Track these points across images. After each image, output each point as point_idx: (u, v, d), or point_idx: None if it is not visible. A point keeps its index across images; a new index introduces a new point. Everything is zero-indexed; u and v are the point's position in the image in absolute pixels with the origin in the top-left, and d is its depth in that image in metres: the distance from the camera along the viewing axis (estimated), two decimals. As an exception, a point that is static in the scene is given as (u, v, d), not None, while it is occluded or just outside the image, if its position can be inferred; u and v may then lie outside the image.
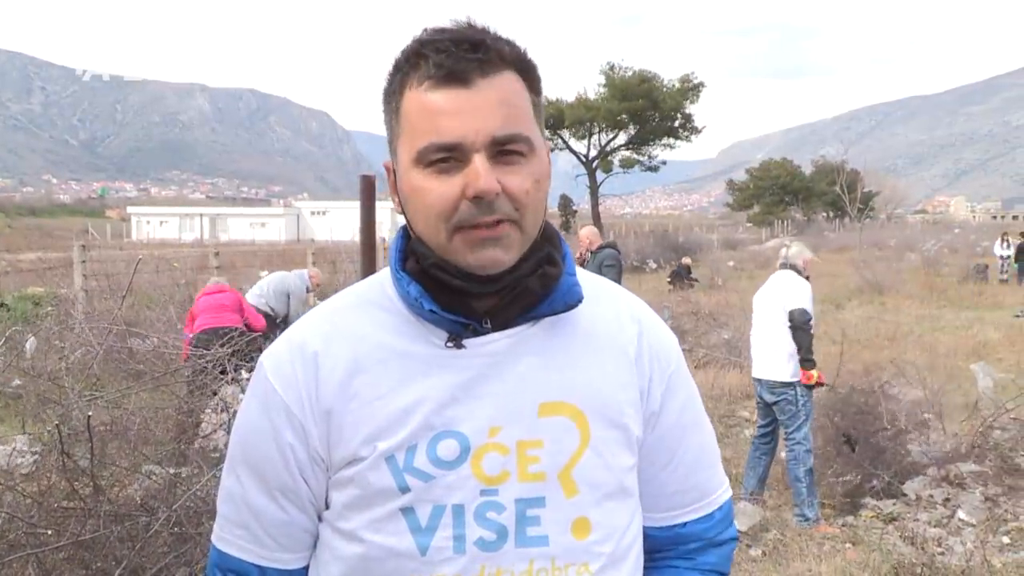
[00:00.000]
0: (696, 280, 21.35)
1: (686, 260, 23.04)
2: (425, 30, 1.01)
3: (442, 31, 0.99)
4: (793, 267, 5.46)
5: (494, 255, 0.99)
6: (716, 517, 1.19)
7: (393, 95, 1.02)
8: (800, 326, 5.16)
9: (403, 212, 1.07)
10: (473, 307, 1.04)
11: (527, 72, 1.02)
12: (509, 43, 1.01)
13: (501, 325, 1.05)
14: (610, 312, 1.13)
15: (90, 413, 3.32)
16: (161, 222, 74.12)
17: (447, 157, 0.97)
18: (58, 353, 7.31)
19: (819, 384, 5.35)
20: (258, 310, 8.93)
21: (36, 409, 5.23)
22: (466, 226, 0.98)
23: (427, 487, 1.01)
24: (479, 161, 0.96)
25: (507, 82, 0.99)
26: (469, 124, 0.96)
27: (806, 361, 5.20)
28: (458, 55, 0.96)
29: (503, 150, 0.98)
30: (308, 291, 9.56)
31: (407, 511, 1.01)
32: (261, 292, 9.22)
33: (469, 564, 1.01)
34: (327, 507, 1.08)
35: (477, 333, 1.04)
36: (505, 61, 0.99)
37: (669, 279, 21.06)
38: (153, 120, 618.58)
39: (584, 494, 1.05)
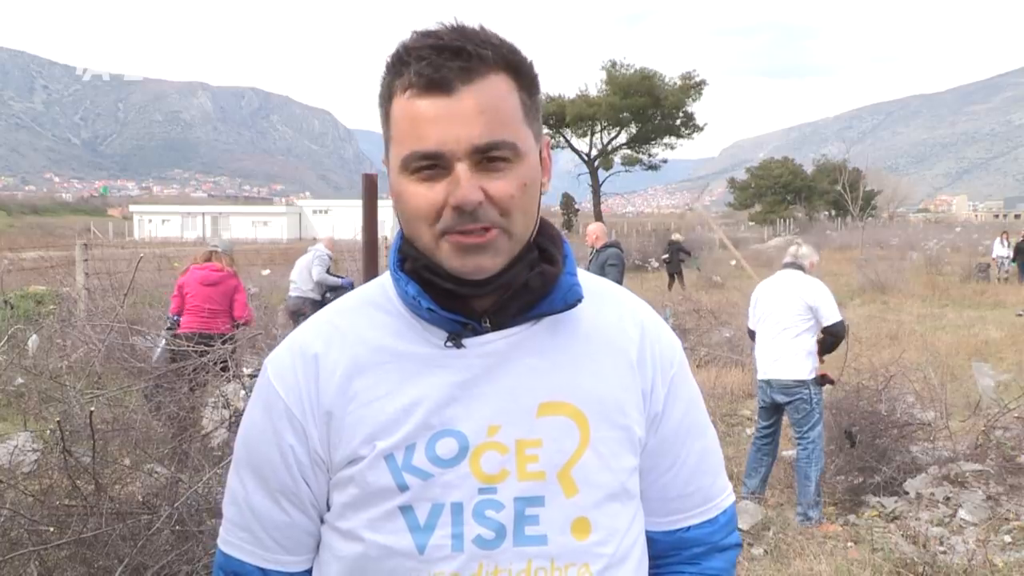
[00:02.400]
0: (688, 254, 20.55)
1: (676, 236, 21.32)
2: (413, 33, 0.99)
3: (427, 35, 0.98)
4: (800, 267, 5.50)
5: (479, 262, 0.99)
6: (720, 521, 1.19)
7: (384, 99, 1.02)
8: (842, 337, 5.34)
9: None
10: (472, 307, 1.04)
11: (517, 71, 1.00)
12: (496, 44, 0.98)
13: (500, 325, 1.05)
14: (613, 314, 1.13)
15: (92, 410, 3.32)
16: (163, 220, 74.17)
17: (431, 165, 0.96)
18: (60, 351, 7.33)
19: (829, 381, 5.44)
20: (305, 300, 9.62)
21: (38, 407, 5.25)
22: (452, 231, 0.97)
23: (426, 485, 1.01)
24: (461, 170, 0.96)
25: (492, 86, 0.97)
26: (450, 133, 0.95)
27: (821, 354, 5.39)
28: (439, 63, 0.95)
29: (487, 157, 0.96)
30: (330, 258, 10.15)
31: (406, 509, 1.01)
32: (299, 289, 9.89)
33: (467, 562, 1.01)
34: (328, 509, 1.08)
35: (476, 333, 1.04)
36: (489, 64, 0.97)
37: (667, 269, 20.03)
38: (155, 119, 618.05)
39: (584, 494, 1.04)
